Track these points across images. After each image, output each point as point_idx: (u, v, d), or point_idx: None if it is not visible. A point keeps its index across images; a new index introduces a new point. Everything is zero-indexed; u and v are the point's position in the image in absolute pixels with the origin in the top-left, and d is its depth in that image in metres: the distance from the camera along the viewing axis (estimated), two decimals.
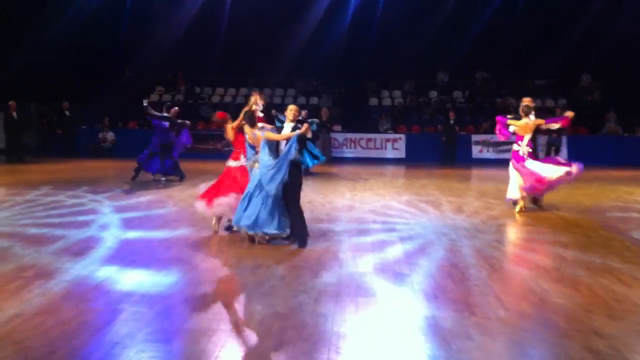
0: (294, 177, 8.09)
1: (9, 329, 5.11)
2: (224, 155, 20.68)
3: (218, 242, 8.56)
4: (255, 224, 8.09)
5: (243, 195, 8.30)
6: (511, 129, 11.35)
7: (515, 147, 11.33)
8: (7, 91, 21.26)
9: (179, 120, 15.46)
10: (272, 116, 8.86)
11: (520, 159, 11.17)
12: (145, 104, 15.41)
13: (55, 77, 23.83)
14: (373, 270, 7.12)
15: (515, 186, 11.23)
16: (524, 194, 11.20)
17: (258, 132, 8.17)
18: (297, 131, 7.96)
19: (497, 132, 11.63)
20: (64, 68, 24.34)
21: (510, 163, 11.38)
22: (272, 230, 8.13)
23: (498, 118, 11.71)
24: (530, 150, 11.15)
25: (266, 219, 8.10)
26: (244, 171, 8.86)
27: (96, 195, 12.69)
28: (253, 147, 8.37)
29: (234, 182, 8.92)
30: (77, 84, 24.16)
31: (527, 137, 11.17)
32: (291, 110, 8.25)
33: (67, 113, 23.65)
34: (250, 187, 8.23)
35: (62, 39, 23.76)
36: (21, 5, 24.05)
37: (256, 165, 8.17)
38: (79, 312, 5.53)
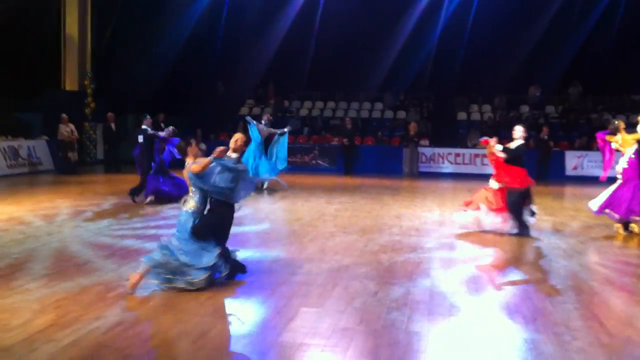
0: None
1: (111, 336, 5.28)
2: (311, 168, 20.79)
3: (309, 258, 8.58)
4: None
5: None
6: (614, 145, 10.89)
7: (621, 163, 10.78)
8: (110, 104, 22.16)
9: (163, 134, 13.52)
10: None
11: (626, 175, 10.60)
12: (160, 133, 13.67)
13: (153, 90, 24.69)
14: (466, 289, 6.98)
15: (606, 200, 10.71)
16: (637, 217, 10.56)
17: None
18: (211, 156, 6.78)
19: (601, 149, 11.19)
20: (161, 82, 25.21)
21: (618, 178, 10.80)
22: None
23: (598, 135, 11.29)
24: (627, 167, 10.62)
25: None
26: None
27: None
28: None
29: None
30: (172, 96, 24.95)
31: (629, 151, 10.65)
32: (235, 140, 7.33)
33: (163, 125, 24.39)
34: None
35: (161, 55, 24.70)
36: (128, 24, 25.15)
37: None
38: (177, 321, 5.67)
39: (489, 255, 8.75)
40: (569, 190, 18.78)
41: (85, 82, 23.12)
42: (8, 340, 5.16)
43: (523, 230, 10.08)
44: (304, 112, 27.26)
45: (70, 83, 23.62)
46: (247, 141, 7.41)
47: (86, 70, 23.52)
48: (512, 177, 10.13)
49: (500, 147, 10.33)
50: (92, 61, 24.08)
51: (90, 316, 5.73)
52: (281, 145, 15.18)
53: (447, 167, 22.21)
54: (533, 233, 10.24)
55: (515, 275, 7.66)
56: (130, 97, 23.62)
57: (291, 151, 23.07)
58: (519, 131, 10.42)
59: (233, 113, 26.64)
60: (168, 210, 12.27)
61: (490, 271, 7.81)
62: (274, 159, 14.98)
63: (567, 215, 12.83)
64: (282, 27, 27.30)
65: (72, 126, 20.05)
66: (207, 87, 27.62)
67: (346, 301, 6.39)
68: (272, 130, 15.50)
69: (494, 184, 10.44)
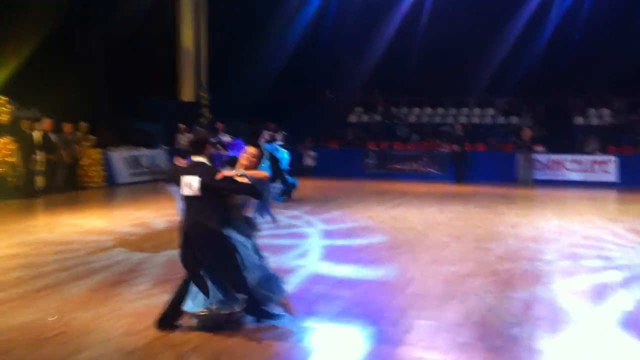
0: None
1: (232, 344, 5.39)
2: (420, 175, 20.56)
3: (423, 269, 8.46)
4: None
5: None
6: None
7: None
8: (223, 113, 22.87)
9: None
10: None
11: None
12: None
13: (263, 99, 25.26)
14: (591, 304, 6.65)
15: None
16: None
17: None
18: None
19: None
20: (271, 90, 25.78)
21: None
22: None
23: None
24: None
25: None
26: None
27: (302, 211, 13.18)
28: None
29: None
30: (282, 105, 25.45)
31: None
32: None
33: (274, 134, 24.89)
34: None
35: (271, 64, 25.30)
36: (240, 36, 25.91)
37: None
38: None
39: (614, 270, 8.29)
40: None
41: (201, 93, 23.97)
42: (132, 344, 5.39)
43: None
44: (412, 118, 27.02)
45: (187, 94, 24.59)
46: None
47: (201, 81, 24.40)
48: None
49: None
50: (207, 72, 24.97)
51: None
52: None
53: (565, 175, 21.31)
54: None
55: None
56: (242, 106, 24.29)
57: (401, 158, 23.05)
58: None
59: (341, 120, 26.82)
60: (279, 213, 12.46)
61: (615, 287, 7.39)
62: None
63: None
64: (388, 32, 27.22)
65: (189, 135, 20.81)
66: (316, 95, 27.96)
67: (464, 315, 6.24)
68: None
69: None
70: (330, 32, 28.73)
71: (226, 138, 13.39)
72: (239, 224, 5.87)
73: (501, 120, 25.74)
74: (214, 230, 5.56)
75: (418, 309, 6.45)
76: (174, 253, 8.98)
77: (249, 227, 5.98)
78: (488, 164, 21.65)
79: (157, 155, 21.61)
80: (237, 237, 5.72)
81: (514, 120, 25.42)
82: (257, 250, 5.92)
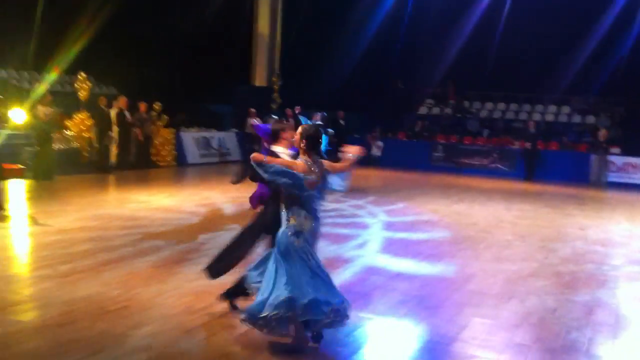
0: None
1: None
2: (488, 171, 20.22)
3: (484, 266, 8.34)
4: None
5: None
6: None
7: None
8: (295, 100, 23.05)
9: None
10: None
11: None
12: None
13: (335, 87, 25.29)
14: None
15: None
16: None
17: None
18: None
19: None
20: (343, 79, 25.79)
21: None
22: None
23: None
24: None
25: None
26: None
27: (366, 201, 13.18)
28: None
29: None
30: (353, 94, 25.42)
31: None
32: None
33: (342, 122, 24.94)
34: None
35: (344, 53, 25.34)
36: (315, 24, 26.06)
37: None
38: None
39: None
40: None
41: (273, 79, 24.19)
42: (190, 322, 5.52)
43: None
44: (484, 113, 26.54)
45: (259, 79, 24.87)
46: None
47: (274, 68, 24.63)
48: None
49: None
50: (280, 59, 25.20)
51: None
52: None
53: None
54: None
55: None
56: (314, 93, 24.38)
57: (469, 153, 22.69)
58: None
59: (412, 112, 26.59)
60: (341, 203, 12.50)
61: None
62: None
63: None
64: (466, 25, 26.72)
65: (259, 120, 21.10)
66: (388, 85, 27.78)
67: (522, 315, 6.13)
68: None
69: None
70: (408, 24, 28.44)
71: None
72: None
73: (577, 119, 25.00)
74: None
75: (475, 307, 6.37)
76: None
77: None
78: (561, 163, 21.07)
79: (227, 138, 21.98)
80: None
81: (590, 120, 24.64)
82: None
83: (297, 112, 19.80)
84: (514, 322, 5.95)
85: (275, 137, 5.70)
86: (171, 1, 25.54)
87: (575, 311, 6.35)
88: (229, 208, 11.68)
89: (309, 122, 13.97)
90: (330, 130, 14.63)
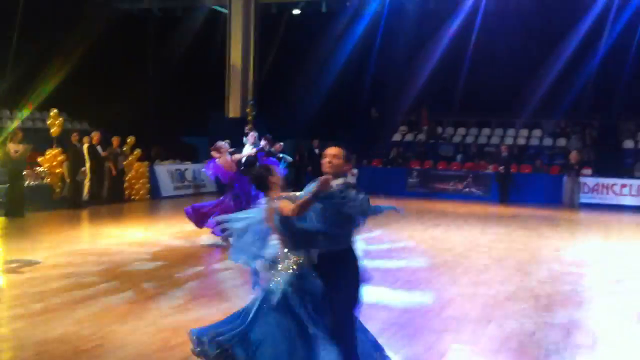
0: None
1: None
2: (463, 196, 20.40)
3: (462, 291, 8.34)
4: None
5: None
6: None
7: None
8: (269, 130, 23.09)
9: None
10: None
11: None
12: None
13: (309, 117, 25.41)
14: (634, 331, 6.45)
15: None
16: None
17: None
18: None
19: None
20: (316, 108, 25.92)
21: None
22: None
23: None
24: None
25: None
26: None
27: None
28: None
29: None
30: (327, 122, 25.54)
31: None
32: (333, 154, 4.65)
33: (317, 151, 25.02)
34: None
35: (317, 82, 25.50)
36: (287, 54, 26.27)
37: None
38: None
39: None
40: None
41: (247, 110, 24.22)
42: (168, 359, 5.42)
43: None
44: (457, 138, 26.79)
45: (234, 110, 24.88)
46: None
47: (248, 98, 24.68)
48: None
49: None
50: (254, 90, 25.28)
51: None
52: None
53: (612, 199, 20.80)
54: None
55: None
56: (288, 123, 24.49)
57: (444, 178, 22.84)
58: None
59: (386, 138, 26.75)
60: None
61: None
62: None
63: None
64: (436, 52, 27.04)
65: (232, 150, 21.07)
66: (361, 113, 27.97)
67: (501, 340, 6.12)
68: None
69: None
70: (378, 51, 28.76)
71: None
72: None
73: (549, 142, 25.33)
74: None
75: (454, 333, 6.36)
76: (213, 268, 9.10)
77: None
78: (534, 185, 21.32)
79: (201, 169, 21.89)
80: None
81: (562, 142, 24.99)
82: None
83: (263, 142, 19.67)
84: (494, 347, 5.94)
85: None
86: (143, 35, 25.61)
87: (553, 334, 6.36)
88: (204, 240, 11.56)
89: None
90: (288, 157, 14.24)
